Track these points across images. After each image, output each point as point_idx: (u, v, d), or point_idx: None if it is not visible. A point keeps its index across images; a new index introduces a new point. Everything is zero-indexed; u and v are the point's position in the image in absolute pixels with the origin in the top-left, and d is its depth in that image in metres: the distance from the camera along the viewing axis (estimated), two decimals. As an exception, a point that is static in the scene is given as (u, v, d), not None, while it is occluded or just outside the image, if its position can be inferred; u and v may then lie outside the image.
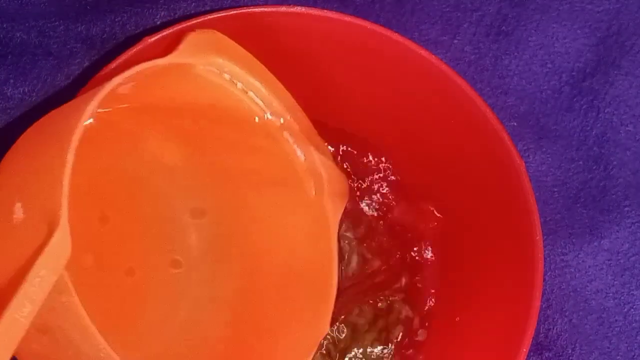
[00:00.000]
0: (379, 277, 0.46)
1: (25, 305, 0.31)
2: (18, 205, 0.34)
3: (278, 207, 0.43)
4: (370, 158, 0.47)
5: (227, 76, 0.40)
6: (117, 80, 0.35)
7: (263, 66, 0.41)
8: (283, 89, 0.42)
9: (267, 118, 0.41)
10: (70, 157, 0.33)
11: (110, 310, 0.41)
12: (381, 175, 0.47)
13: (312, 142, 0.42)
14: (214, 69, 0.40)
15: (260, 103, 0.41)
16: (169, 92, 0.40)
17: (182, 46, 0.39)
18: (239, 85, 0.41)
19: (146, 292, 0.43)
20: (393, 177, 0.47)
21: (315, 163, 0.42)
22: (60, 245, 0.32)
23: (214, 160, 0.43)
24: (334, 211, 0.43)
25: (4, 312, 0.31)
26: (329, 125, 0.46)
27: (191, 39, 0.39)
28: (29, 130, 0.38)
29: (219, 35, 0.40)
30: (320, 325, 0.42)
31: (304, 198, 0.42)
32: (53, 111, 0.38)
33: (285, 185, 0.43)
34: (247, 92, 0.41)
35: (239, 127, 0.42)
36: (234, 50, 0.40)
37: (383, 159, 0.47)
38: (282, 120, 0.42)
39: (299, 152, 0.42)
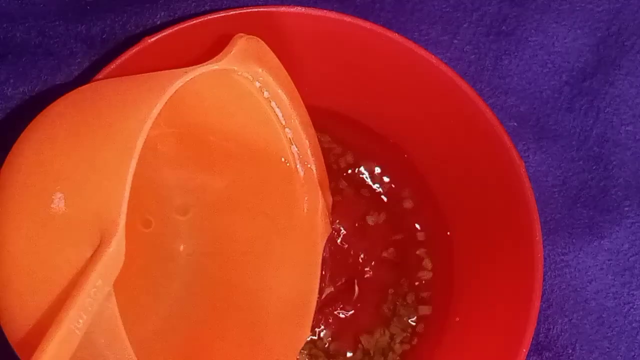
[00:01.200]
0: (376, 276, 0.46)
1: (82, 316, 0.30)
2: (59, 195, 0.32)
3: (268, 217, 0.43)
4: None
5: (257, 84, 0.41)
6: (179, 82, 0.34)
7: (291, 80, 0.42)
8: (303, 105, 0.42)
9: (282, 130, 0.42)
10: (133, 165, 0.31)
11: None
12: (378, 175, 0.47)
13: (316, 161, 0.43)
14: (249, 76, 0.40)
15: (280, 115, 0.42)
16: (195, 88, 0.40)
17: (234, 52, 0.38)
18: (266, 94, 0.41)
19: (136, 281, 0.43)
20: (388, 178, 0.47)
21: (313, 182, 0.43)
22: (117, 254, 0.31)
23: (209, 157, 0.43)
24: (324, 230, 0.43)
25: (61, 323, 0.30)
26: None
27: (241, 45, 0.39)
28: (68, 101, 0.36)
29: (262, 43, 0.40)
30: (300, 334, 0.42)
31: (296, 213, 0.43)
32: (104, 85, 0.36)
33: (279, 197, 0.43)
34: (270, 102, 0.41)
35: (249, 132, 0.42)
36: (271, 60, 0.40)
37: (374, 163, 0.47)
38: (292, 135, 0.42)
39: (299, 168, 0.43)
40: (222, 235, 0.44)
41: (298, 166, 0.43)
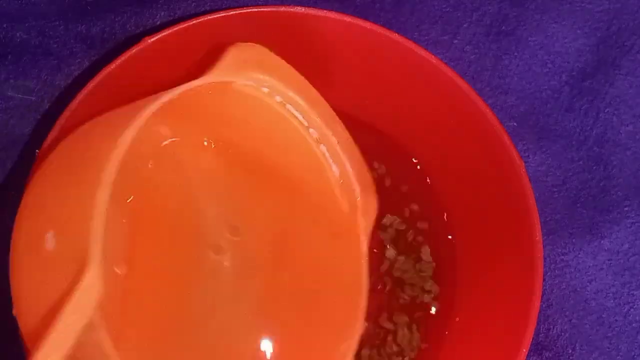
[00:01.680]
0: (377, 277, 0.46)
1: (50, 356, 0.30)
2: (50, 234, 0.33)
3: (311, 222, 0.42)
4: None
5: (265, 89, 0.40)
6: (153, 107, 0.34)
7: (303, 78, 0.40)
8: (323, 101, 0.41)
9: (305, 131, 0.41)
10: (103, 193, 0.31)
11: (143, 321, 0.40)
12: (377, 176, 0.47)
13: (348, 157, 0.41)
14: (251, 84, 0.39)
15: (299, 116, 0.40)
16: (202, 105, 0.39)
17: (223, 62, 0.38)
18: (278, 98, 0.40)
19: (178, 301, 0.42)
20: (388, 178, 0.47)
21: (350, 179, 0.41)
22: (91, 288, 0.31)
23: (249, 169, 0.42)
24: (366, 228, 0.41)
25: None
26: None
27: (233, 54, 0.38)
28: (62, 144, 0.37)
29: (261, 49, 0.39)
30: (348, 345, 0.40)
31: (337, 213, 0.41)
32: (87, 126, 0.37)
33: (319, 199, 0.42)
34: (285, 105, 0.40)
35: (275, 138, 0.41)
36: (275, 63, 0.39)
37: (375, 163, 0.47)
38: (318, 134, 0.41)
39: (334, 167, 0.41)
40: (270, 249, 0.43)
41: (331, 165, 0.41)
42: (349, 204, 0.41)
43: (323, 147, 0.41)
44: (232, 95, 0.39)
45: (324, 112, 0.41)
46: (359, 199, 0.41)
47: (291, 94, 0.40)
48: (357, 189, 0.41)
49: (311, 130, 0.41)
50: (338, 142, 0.41)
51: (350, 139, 0.42)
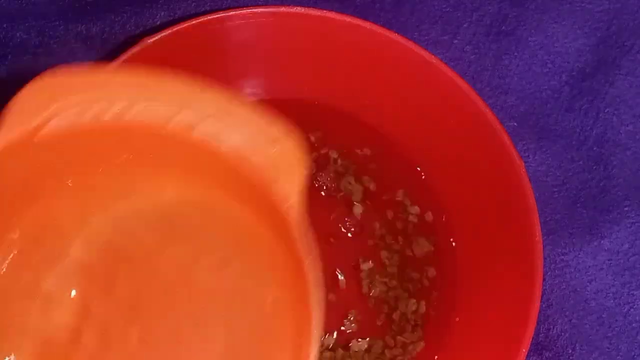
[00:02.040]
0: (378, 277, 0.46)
1: None
2: None
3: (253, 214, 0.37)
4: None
5: (88, 115, 0.34)
6: None
7: (129, 73, 0.34)
8: (169, 82, 0.34)
9: (170, 123, 0.34)
10: None
11: None
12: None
13: (235, 122, 0.34)
14: (69, 119, 0.34)
15: (149, 118, 0.34)
16: (73, 157, 0.36)
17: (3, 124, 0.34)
18: (116, 108, 0.34)
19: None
20: (387, 177, 0.47)
21: (238, 150, 0.34)
22: None
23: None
24: (285, 191, 0.34)
25: None
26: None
27: (11, 109, 0.34)
28: None
29: (50, 80, 0.34)
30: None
31: (264, 190, 0.35)
32: None
33: (248, 181, 0.35)
34: (127, 114, 0.34)
35: (151, 152, 0.36)
36: (73, 84, 0.34)
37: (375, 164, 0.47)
38: (185, 120, 0.34)
39: (227, 142, 0.34)
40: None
41: (222, 141, 0.35)
42: (262, 173, 0.35)
43: (199, 130, 0.35)
44: (55, 142, 0.34)
45: (175, 96, 0.34)
46: (263, 159, 0.34)
47: (118, 104, 0.34)
48: (256, 152, 0.34)
49: (176, 119, 0.34)
50: (209, 115, 0.34)
51: (232, 101, 0.34)
